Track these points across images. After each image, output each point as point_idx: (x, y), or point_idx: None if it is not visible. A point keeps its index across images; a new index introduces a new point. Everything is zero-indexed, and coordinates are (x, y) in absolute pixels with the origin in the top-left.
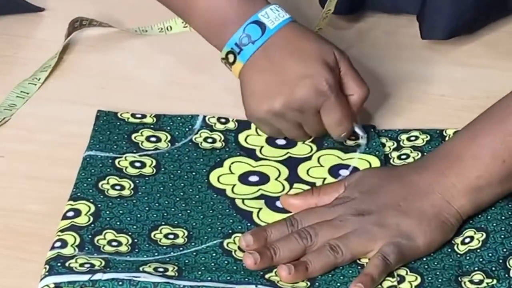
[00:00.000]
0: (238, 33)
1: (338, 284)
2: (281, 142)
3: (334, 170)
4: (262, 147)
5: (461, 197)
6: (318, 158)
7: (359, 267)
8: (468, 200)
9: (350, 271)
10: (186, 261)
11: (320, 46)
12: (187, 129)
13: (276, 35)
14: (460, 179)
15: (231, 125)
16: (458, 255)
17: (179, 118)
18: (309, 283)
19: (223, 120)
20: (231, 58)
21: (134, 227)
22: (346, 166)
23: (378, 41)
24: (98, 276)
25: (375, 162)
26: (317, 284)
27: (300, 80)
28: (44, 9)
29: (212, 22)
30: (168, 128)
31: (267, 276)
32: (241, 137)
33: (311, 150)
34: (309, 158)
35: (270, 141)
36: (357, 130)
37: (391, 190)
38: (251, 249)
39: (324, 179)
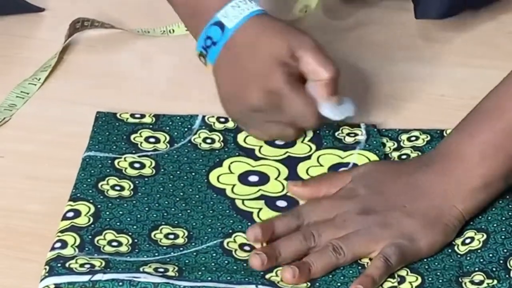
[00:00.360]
0: (202, 36)
1: (339, 284)
2: (280, 141)
3: (333, 169)
4: (261, 146)
5: (465, 198)
6: (318, 158)
7: (359, 267)
8: (471, 200)
9: (351, 271)
10: (187, 261)
11: (271, 42)
12: (186, 129)
13: (236, 33)
14: (464, 179)
15: (230, 125)
16: (459, 256)
17: (178, 118)
18: (309, 284)
19: (222, 120)
20: (202, 60)
21: (134, 227)
22: (345, 164)
23: (378, 41)
24: (98, 276)
25: (375, 160)
26: (317, 284)
27: (254, 81)
28: (44, 9)
29: (189, 17)
30: (167, 128)
31: (267, 276)
32: (240, 137)
33: (311, 149)
34: (308, 157)
35: (269, 142)
36: (328, 112)
37: (396, 190)
38: (258, 241)
39: None
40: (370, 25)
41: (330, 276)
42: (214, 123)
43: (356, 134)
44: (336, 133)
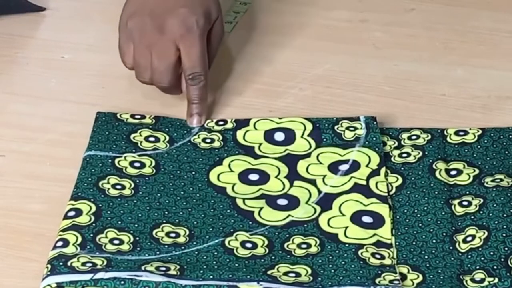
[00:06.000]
0: None
1: (340, 278)
2: (279, 138)
3: (333, 166)
4: (260, 144)
5: None
6: (317, 156)
7: (361, 262)
8: None
9: (353, 266)
10: (188, 260)
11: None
12: (185, 132)
13: None
14: None
15: (229, 126)
16: (460, 254)
17: (178, 122)
18: (311, 278)
19: (221, 122)
20: None
21: (136, 225)
22: (345, 161)
23: (378, 41)
24: (100, 275)
25: (375, 157)
26: (319, 279)
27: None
28: (45, 9)
29: None
30: (167, 129)
31: (269, 272)
32: (240, 134)
33: (310, 147)
34: (308, 155)
35: (269, 138)
36: None
37: None
38: None
39: (324, 176)
40: (370, 24)
41: (332, 271)
42: (213, 126)
43: (355, 128)
44: (336, 127)
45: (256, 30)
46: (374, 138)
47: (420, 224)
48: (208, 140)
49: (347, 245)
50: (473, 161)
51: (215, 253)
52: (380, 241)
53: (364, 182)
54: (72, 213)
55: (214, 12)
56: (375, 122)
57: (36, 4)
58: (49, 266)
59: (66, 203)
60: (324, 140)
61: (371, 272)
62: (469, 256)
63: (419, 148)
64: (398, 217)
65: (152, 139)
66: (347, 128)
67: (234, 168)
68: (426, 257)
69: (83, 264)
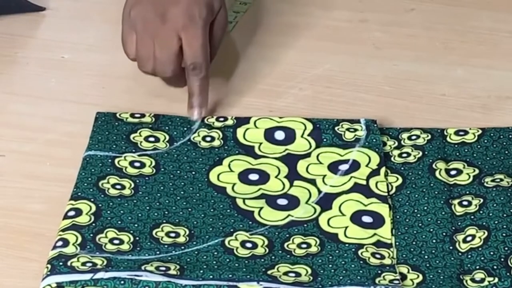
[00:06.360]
0: None
1: (340, 278)
2: (279, 137)
3: (333, 166)
4: (260, 143)
5: None
6: (317, 156)
7: (361, 262)
8: None
9: (353, 266)
10: (188, 259)
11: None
12: (185, 129)
13: None
14: None
15: (229, 122)
16: (460, 254)
17: (177, 119)
18: (311, 278)
19: (221, 119)
20: None
21: (135, 225)
22: (345, 161)
23: (378, 41)
24: (100, 275)
25: (375, 157)
26: (319, 278)
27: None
28: (45, 9)
29: None
30: (167, 128)
31: (269, 272)
32: (240, 132)
33: (310, 147)
34: (308, 155)
35: (269, 137)
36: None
37: None
38: None
39: (324, 176)
40: (370, 24)
41: (332, 270)
42: (213, 122)
43: (356, 130)
44: (336, 128)
45: (256, 30)
46: (374, 140)
47: (420, 224)
48: (208, 139)
49: (347, 245)
50: (473, 161)
51: (215, 253)
52: (380, 241)
53: (364, 182)
54: (72, 213)
55: (217, 3)
56: (375, 125)
57: (36, 4)
58: (49, 266)
59: (66, 203)
60: (324, 140)
61: (371, 272)
62: (469, 256)
63: (419, 148)
64: (398, 217)
65: (152, 139)
66: (348, 129)
67: (234, 168)
68: (426, 257)
69: (83, 264)
